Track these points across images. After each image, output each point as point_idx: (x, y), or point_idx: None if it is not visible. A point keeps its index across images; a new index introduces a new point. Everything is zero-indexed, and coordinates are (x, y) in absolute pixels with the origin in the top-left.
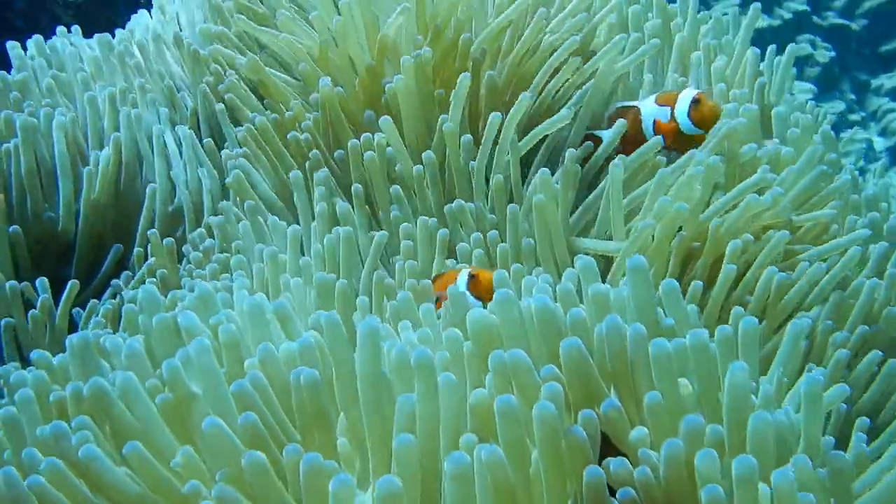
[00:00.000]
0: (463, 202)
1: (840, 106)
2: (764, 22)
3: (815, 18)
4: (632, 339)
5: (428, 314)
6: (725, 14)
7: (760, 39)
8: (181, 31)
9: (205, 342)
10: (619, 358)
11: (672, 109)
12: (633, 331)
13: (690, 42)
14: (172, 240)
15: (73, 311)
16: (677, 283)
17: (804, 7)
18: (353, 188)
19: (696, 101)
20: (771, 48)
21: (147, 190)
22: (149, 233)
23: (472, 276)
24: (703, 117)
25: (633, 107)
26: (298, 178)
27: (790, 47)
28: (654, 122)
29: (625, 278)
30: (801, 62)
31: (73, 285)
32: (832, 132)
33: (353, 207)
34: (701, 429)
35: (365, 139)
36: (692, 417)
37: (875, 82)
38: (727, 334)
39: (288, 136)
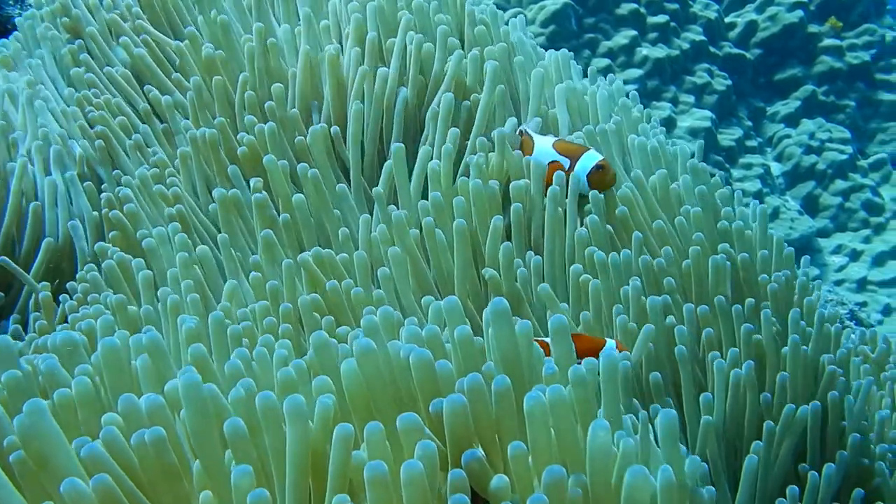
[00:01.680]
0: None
1: (738, 132)
2: (662, 52)
3: (711, 48)
4: (495, 393)
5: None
6: None
7: (660, 69)
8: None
9: (40, 404)
10: (483, 414)
11: (573, 163)
12: (496, 385)
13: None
14: (48, 292)
15: None
16: (565, 320)
17: (701, 37)
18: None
19: (599, 168)
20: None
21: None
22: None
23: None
24: (602, 184)
25: (529, 136)
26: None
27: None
28: (550, 165)
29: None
30: (700, 90)
31: None
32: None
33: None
34: (562, 479)
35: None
36: (554, 468)
37: (771, 109)
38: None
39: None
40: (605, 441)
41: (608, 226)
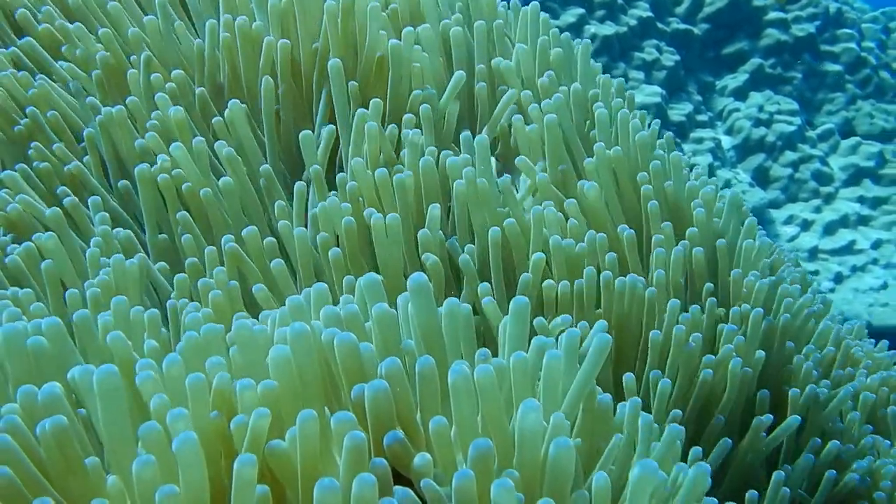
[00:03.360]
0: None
1: (688, 107)
2: (610, 29)
3: (659, 24)
4: (419, 374)
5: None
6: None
7: (608, 46)
8: None
9: None
10: (403, 398)
11: None
12: (420, 366)
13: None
14: None
15: None
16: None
17: (648, 13)
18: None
19: None
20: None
21: None
22: None
23: None
24: None
25: None
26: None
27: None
28: None
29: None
30: (649, 66)
31: None
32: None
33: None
34: (490, 451)
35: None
36: (480, 441)
37: (720, 83)
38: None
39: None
40: (536, 418)
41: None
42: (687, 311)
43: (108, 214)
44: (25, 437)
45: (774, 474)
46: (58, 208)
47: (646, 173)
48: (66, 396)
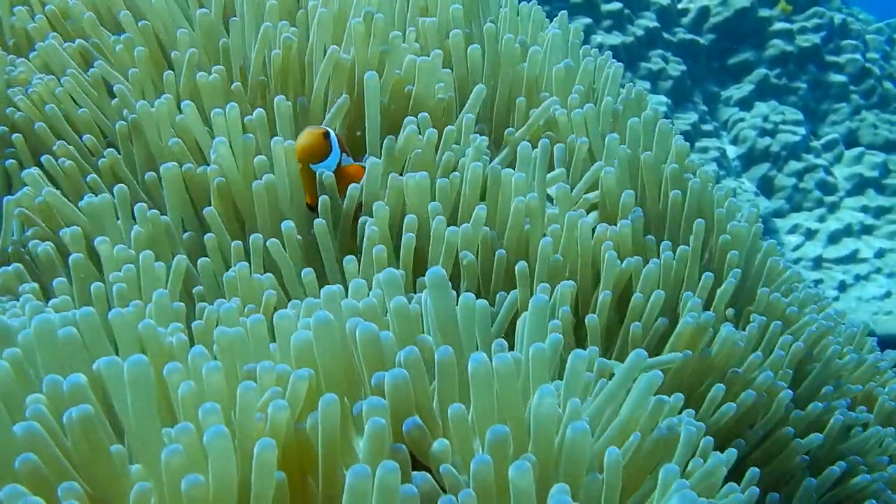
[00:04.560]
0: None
1: (693, 117)
2: (617, 39)
3: (665, 34)
4: (438, 364)
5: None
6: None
7: (615, 56)
8: None
9: None
10: (421, 387)
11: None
12: (439, 356)
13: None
14: None
15: None
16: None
17: (655, 24)
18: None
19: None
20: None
21: None
22: None
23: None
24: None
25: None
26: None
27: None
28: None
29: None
30: (655, 76)
31: None
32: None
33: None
34: (506, 437)
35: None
36: (497, 427)
37: (725, 93)
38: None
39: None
40: (551, 404)
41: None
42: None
43: (145, 205)
44: (51, 425)
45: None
46: (94, 198)
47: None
48: (92, 386)
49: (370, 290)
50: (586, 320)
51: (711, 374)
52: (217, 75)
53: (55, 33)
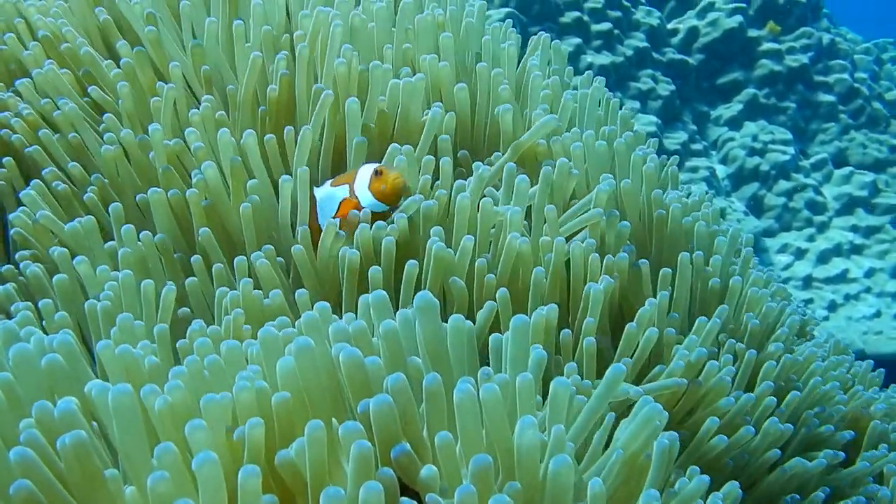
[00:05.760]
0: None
1: (683, 136)
2: (607, 59)
3: (655, 54)
4: (426, 391)
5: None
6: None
7: (605, 75)
8: None
9: None
10: (409, 412)
11: (351, 189)
12: (427, 383)
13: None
14: None
15: None
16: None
17: (644, 44)
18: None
19: (377, 173)
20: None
21: None
22: None
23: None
24: (392, 189)
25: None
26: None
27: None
28: (339, 204)
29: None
30: (644, 96)
31: None
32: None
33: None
34: (489, 467)
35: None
36: (480, 457)
37: (714, 113)
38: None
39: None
40: (533, 435)
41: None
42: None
43: (132, 226)
44: (45, 451)
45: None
46: (78, 223)
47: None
48: (82, 410)
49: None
50: (562, 335)
51: (699, 405)
52: (208, 104)
53: (51, 60)
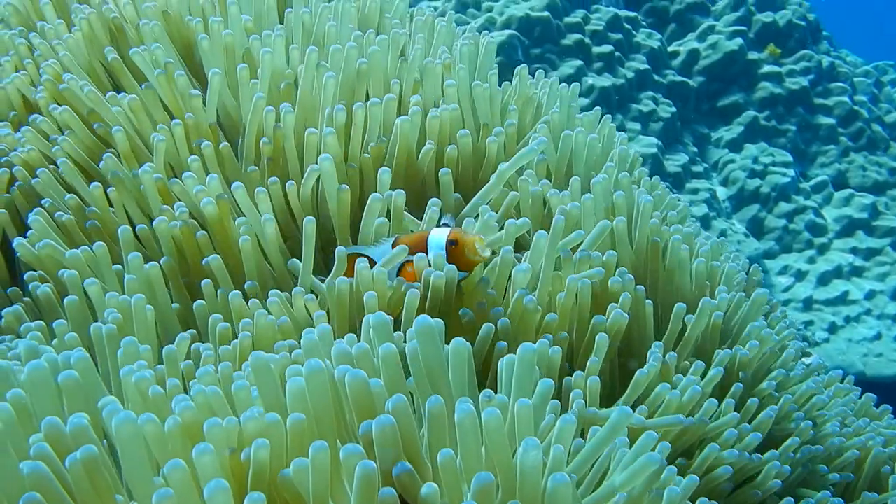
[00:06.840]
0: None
1: (684, 158)
2: (608, 81)
3: (655, 76)
4: (429, 413)
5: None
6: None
7: (606, 98)
8: None
9: None
10: (409, 433)
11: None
12: (429, 405)
13: None
14: None
15: None
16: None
17: (645, 66)
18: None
19: (453, 243)
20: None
21: None
22: None
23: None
24: (467, 255)
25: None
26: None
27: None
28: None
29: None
30: (645, 118)
31: None
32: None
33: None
34: (491, 485)
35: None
36: (482, 475)
37: (715, 135)
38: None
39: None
40: (536, 456)
41: None
42: None
43: (139, 254)
44: (56, 466)
45: None
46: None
47: None
48: (93, 427)
49: None
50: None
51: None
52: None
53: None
